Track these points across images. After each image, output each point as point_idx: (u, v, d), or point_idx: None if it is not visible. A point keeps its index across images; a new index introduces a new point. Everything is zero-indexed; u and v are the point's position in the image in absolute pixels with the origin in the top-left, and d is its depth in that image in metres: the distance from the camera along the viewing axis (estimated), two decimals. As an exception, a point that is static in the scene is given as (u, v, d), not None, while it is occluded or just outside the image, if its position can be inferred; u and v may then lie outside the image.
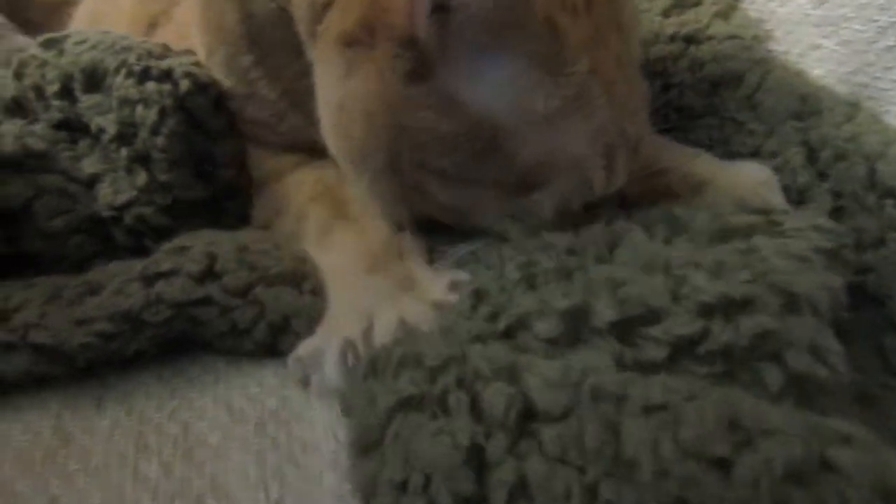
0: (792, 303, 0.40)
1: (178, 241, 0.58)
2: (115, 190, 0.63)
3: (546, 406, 0.37)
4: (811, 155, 0.61)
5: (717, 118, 0.65)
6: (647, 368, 0.40)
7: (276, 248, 0.59)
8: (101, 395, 0.53)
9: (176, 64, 0.65)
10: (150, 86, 0.63)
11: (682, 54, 0.65)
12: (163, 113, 0.62)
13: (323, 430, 0.48)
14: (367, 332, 0.49)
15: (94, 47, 0.68)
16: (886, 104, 0.62)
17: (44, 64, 0.71)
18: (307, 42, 0.58)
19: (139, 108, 0.62)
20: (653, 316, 0.40)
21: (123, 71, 0.64)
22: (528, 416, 0.38)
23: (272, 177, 0.68)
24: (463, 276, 0.52)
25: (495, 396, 0.38)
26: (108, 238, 0.63)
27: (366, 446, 0.42)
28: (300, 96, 0.60)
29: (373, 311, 0.51)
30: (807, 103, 0.64)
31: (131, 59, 0.64)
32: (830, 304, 0.42)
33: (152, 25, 0.99)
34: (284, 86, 0.65)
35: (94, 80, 0.67)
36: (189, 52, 0.71)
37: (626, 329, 0.40)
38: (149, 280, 0.54)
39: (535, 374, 0.38)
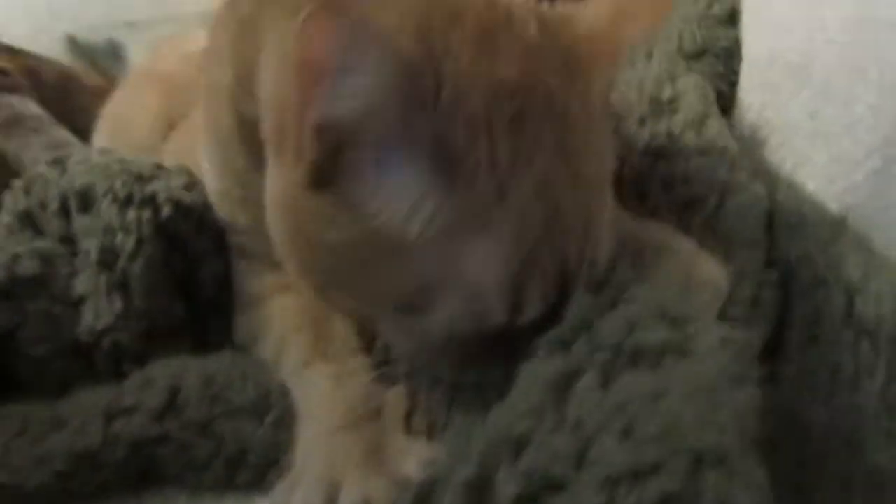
0: (698, 459, 0.38)
1: (146, 372, 0.59)
2: (96, 315, 0.64)
3: None
4: (789, 270, 0.59)
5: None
6: None
7: (243, 377, 0.59)
8: (63, 529, 0.54)
9: (161, 188, 0.67)
10: (131, 213, 0.65)
11: (653, 172, 0.63)
12: (141, 241, 0.64)
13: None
14: None
15: (90, 170, 0.71)
16: (872, 229, 0.60)
17: (48, 182, 0.74)
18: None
19: (120, 235, 0.64)
20: (557, 485, 0.38)
21: (109, 196, 0.66)
22: None
23: (256, 298, 0.68)
24: (439, 451, 0.49)
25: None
26: (90, 362, 0.65)
27: None
28: None
29: (338, 482, 0.49)
30: (782, 221, 0.61)
31: (117, 184, 0.67)
32: (740, 446, 0.39)
33: (171, 126, 1.03)
34: None
35: (87, 202, 0.69)
36: (182, 170, 0.73)
37: (529, 499, 0.38)
38: (110, 417, 0.55)
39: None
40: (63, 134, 1.22)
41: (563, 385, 0.42)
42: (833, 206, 0.65)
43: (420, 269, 0.48)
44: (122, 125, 1.10)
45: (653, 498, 0.36)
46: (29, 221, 0.74)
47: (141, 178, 0.68)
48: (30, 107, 1.25)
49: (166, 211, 0.66)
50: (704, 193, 0.60)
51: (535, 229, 0.47)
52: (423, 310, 0.49)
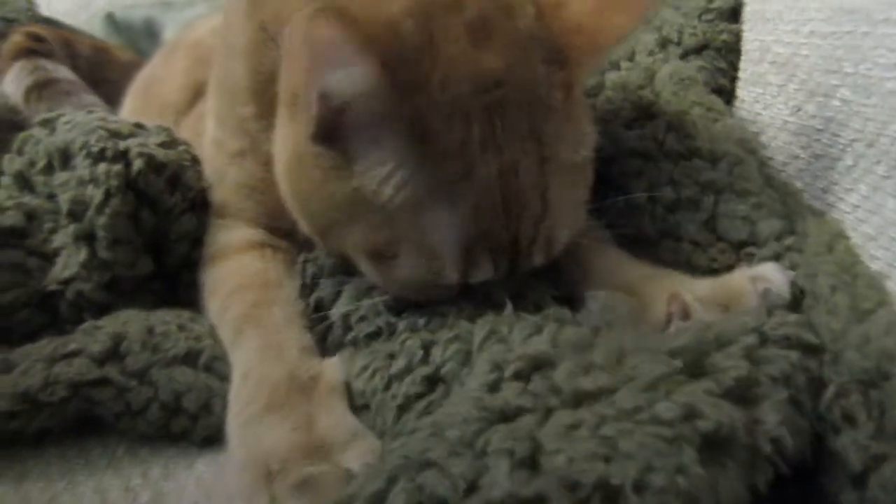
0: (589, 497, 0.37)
1: (94, 322, 0.60)
2: (65, 265, 0.66)
3: None
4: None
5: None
6: None
7: (179, 328, 0.61)
8: (6, 469, 0.54)
9: (134, 144, 0.68)
10: (102, 166, 0.66)
11: (641, 173, 0.65)
12: (109, 193, 0.65)
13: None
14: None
15: (73, 128, 0.72)
16: (849, 229, 0.58)
17: (38, 142, 0.75)
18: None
19: (90, 188, 0.66)
20: None
21: (84, 151, 0.68)
22: None
23: (220, 254, 0.69)
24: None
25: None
26: (56, 312, 0.66)
27: None
28: None
29: (271, 470, 0.49)
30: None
31: (92, 139, 0.68)
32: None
33: (198, 93, 1.04)
34: None
35: (67, 159, 0.70)
36: (162, 130, 0.75)
37: None
38: (52, 361, 0.56)
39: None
40: (93, 98, 1.24)
41: (477, 435, 0.41)
42: (819, 204, 0.63)
43: (389, 227, 0.53)
44: (154, 85, 1.12)
45: None
46: (24, 181, 0.76)
47: (117, 135, 0.70)
48: (62, 71, 1.28)
49: (137, 165, 0.67)
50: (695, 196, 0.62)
51: (493, 209, 0.52)
52: (389, 259, 0.55)
